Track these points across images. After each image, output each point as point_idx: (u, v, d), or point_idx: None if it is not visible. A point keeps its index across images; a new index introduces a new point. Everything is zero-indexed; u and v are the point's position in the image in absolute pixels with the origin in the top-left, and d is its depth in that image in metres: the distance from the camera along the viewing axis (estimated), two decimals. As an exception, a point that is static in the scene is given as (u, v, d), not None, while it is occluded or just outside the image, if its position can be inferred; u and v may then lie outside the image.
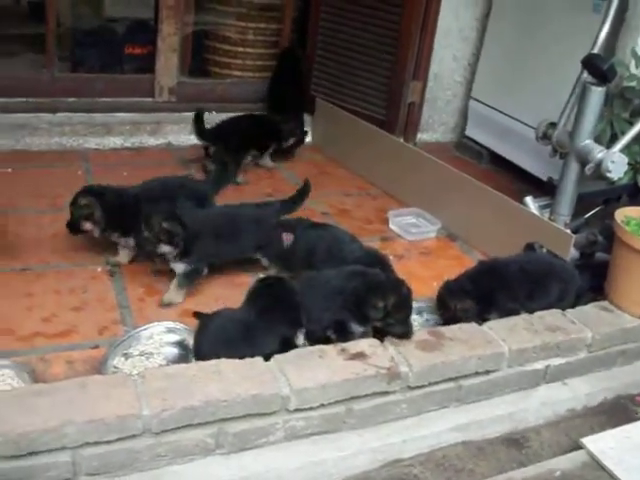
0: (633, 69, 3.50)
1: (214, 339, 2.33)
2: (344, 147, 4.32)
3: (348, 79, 4.58)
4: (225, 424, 2.07)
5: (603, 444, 2.43)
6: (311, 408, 2.18)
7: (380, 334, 2.46)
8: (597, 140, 3.34)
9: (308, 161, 4.34)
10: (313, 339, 2.43)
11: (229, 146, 3.90)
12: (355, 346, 2.35)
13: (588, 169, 3.28)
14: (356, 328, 2.47)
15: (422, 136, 4.80)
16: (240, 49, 4.85)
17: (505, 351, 2.49)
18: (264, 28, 4.86)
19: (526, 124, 4.08)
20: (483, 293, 2.70)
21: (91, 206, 2.91)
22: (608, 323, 2.78)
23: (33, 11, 5.31)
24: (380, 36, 4.41)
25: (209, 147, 3.97)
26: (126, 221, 2.94)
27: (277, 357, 2.24)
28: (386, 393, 2.30)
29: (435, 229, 3.63)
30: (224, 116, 4.16)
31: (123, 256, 3.02)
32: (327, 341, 2.42)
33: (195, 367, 2.17)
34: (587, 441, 2.44)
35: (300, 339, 2.42)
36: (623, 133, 3.33)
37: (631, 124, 3.35)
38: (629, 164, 3.28)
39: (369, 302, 2.41)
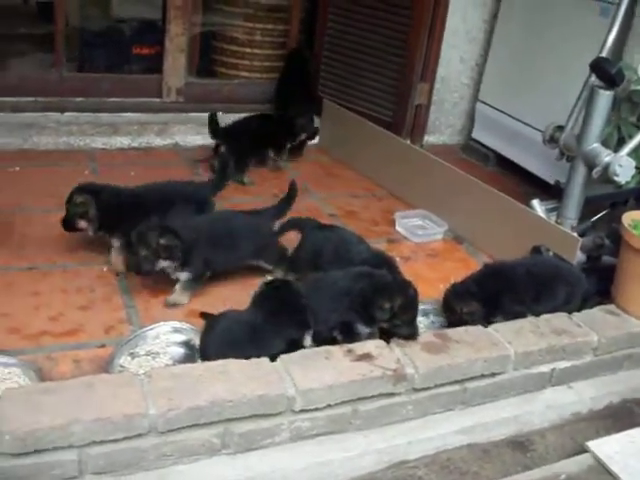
0: (641, 73, 3.50)
1: (220, 340, 2.33)
2: (351, 148, 4.32)
3: (355, 80, 4.59)
4: (231, 424, 2.07)
5: (608, 448, 2.43)
6: (317, 409, 2.18)
7: (386, 335, 2.46)
8: (604, 144, 3.34)
9: (315, 162, 4.34)
10: (319, 340, 2.43)
11: (242, 145, 3.91)
12: (361, 347, 2.35)
13: (595, 172, 3.28)
14: (362, 329, 2.47)
15: (429, 138, 4.80)
16: (247, 50, 4.86)
17: (511, 354, 2.48)
18: (271, 29, 4.87)
19: (533, 127, 4.08)
20: (489, 296, 2.70)
21: (87, 204, 2.90)
22: (614, 327, 2.77)
23: (42, 11, 5.35)
24: (388, 38, 4.41)
25: (220, 146, 3.97)
26: (121, 222, 2.90)
27: (283, 358, 2.24)
28: (392, 394, 2.30)
29: (442, 231, 3.63)
30: (231, 117, 4.15)
31: (117, 263, 2.96)
32: (333, 342, 2.42)
33: (201, 367, 2.18)
34: (593, 445, 2.44)
35: (307, 340, 2.42)
36: (630, 137, 3.33)
37: (638, 128, 3.35)
38: (636, 168, 3.28)
39: (376, 303, 2.41)
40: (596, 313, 2.84)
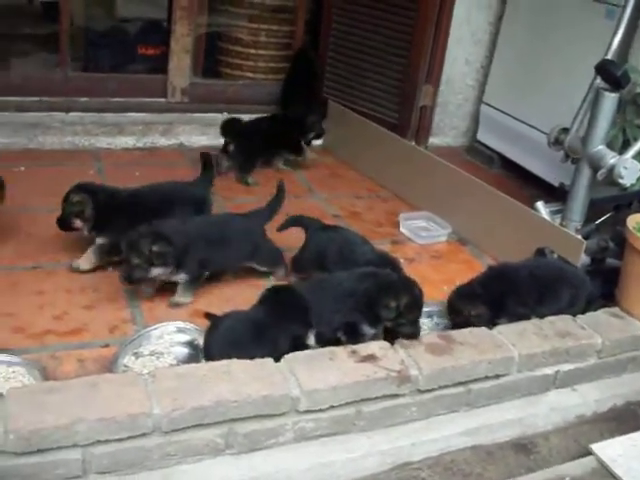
0: (646, 76, 3.49)
1: (224, 340, 2.33)
2: (355, 149, 4.32)
3: (360, 82, 4.59)
4: (235, 424, 2.07)
5: (612, 451, 2.42)
6: (321, 410, 2.18)
7: (390, 336, 2.46)
8: (609, 146, 3.34)
9: (319, 163, 4.34)
10: (323, 341, 2.43)
11: (252, 144, 3.94)
12: (366, 348, 2.35)
13: (600, 175, 3.28)
14: (367, 330, 2.47)
15: (433, 140, 4.80)
16: (252, 51, 4.85)
17: (515, 356, 2.48)
18: (276, 30, 4.87)
19: (538, 129, 4.08)
20: (493, 298, 2.70)
21: (83, 203, 2.88)
22: (618, 329, 2.77)
23: (47, 11, 5.36)
24: (393, 39, 4.42)
25: (229, 144, 3.97)
26: (116, 222, 2.88)
27: (287, 358, 2.24)
28: (396, 396, 2.29)
29: (446, 233, 3.63)
30: (244, 118, 4.17)
31: (86, 260, 2.91)
32: (337, 343, 2.42)
33: (205, 367, 2.18)
34: (596, 448, 2.43)
35: (311, 339, 2.43)
36: (635, 139, 3.32)
37: (644, 130, 3.35)
38: (641, 170, 3.27)
39: (381, 302, 2.41)
40: (600, 316, 2.83)
